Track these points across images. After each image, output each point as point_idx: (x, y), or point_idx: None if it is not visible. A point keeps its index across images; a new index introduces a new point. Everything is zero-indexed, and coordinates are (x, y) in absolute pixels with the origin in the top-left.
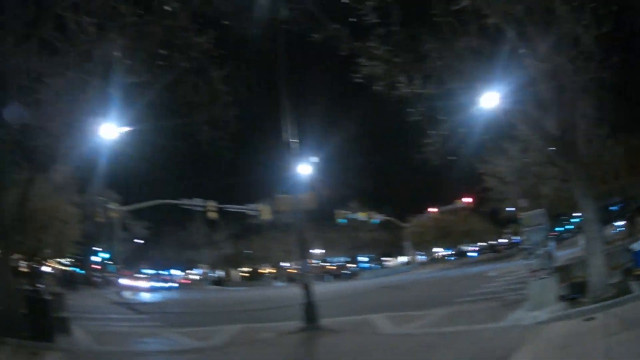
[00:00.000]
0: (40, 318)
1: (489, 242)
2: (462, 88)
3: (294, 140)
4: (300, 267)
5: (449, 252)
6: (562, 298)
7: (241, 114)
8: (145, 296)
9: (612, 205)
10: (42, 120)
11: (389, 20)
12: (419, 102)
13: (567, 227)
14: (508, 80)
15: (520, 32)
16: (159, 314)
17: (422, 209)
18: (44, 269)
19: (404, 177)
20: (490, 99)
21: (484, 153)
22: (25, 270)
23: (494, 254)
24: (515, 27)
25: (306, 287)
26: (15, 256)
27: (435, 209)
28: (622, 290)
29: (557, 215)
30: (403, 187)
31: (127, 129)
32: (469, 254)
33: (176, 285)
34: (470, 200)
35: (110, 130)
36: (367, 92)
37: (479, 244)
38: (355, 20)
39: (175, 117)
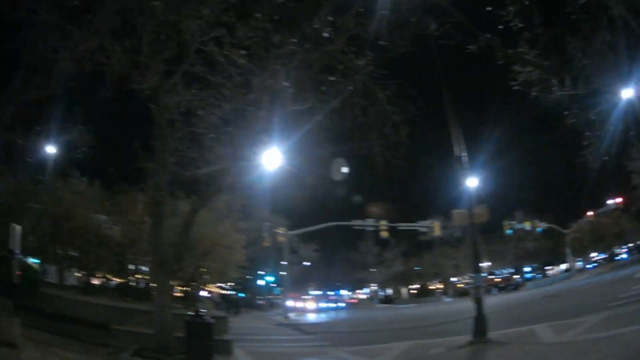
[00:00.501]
0: (200, 340)
1: (637, 242)
2: (606, 85)
3: (463, 155)
4: (472, 280)
5: (602, 256)
6: None
7: (410, 131)
8: (312, 317)
9: None
10: (200, 152)
11: (533, 24)
12: (572, 104)
13: None
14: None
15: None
16: (326, 334)
17: (582, 214)
18: (202, 293)
19: (565, 182)
20: (627, 93)
21: (630, 149)
22: (181, 294)
23: None
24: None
25: (478, 301)
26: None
27: (591, 213)
28: None
29: None
30: (564, 193)
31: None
32: (618, 257)
33: (344, 305)
34: (620, 200)
35: (275, 157)
36: (527, 99)
37: (629, 245)
38: (502, 27)
39: (347, 141)
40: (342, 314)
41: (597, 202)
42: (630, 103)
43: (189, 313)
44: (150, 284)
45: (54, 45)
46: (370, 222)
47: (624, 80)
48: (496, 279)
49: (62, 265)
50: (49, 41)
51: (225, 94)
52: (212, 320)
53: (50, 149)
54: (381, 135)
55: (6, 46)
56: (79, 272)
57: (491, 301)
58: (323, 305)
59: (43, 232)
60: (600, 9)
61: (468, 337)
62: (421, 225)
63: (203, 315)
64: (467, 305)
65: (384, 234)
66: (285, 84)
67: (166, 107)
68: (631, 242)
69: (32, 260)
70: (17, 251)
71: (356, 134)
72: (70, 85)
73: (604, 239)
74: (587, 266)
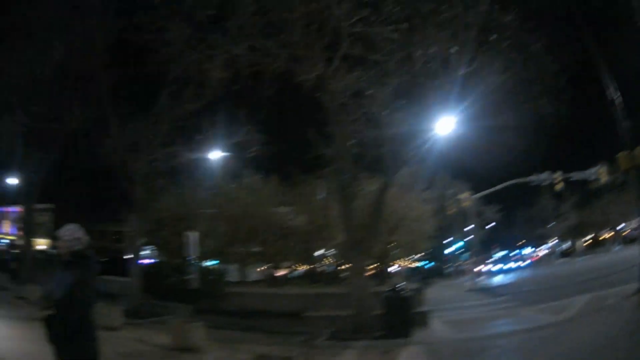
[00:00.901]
0: (398, 315)
1: None
2: None
3: (617, 97)
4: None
5: None
6: None
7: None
8: (499, 279)
9: None
10: (378, 130)
11: None
12: None
13: None
14: None
15: None
16: (513, 295)
17: None
18: (390, 269)
19: None
20: None
21: None
22: (373, 272)
23: None
24: None
25: None
26: None
27: None
28: None
29: None
30: None
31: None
32: None
33: (527, 263)
34: None
35: (450, 123)
36: None
37: None
38: None
39: (511, 97)
40: (526, 273)
41: None
42: None
43: (386, 289)
44: (339, 267)
45: (197, 58)
46: (545, 175)
47: None
48: None
49: (244, 263)
50: (191, 55)
51: (389, 70)
52: (410, 294)
53: (217, 154)
54: (543, 87)
55: (143, 69)
56: (260, 267)
57: None
58: (508, 266)
59: (220, 234)
60: None
61: (636, 285)
62: (588, 174)
63: (401, 290)
64: (633, 252)
65: (558, 186)
66: (450, 50)
67: (334, 92)
68: None
69: (210, 263)
70: (192, 257)
71: (520, 89)
72: (232, 89)
73: None
74: None
